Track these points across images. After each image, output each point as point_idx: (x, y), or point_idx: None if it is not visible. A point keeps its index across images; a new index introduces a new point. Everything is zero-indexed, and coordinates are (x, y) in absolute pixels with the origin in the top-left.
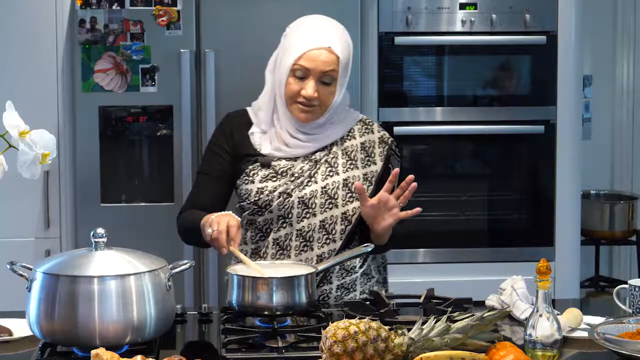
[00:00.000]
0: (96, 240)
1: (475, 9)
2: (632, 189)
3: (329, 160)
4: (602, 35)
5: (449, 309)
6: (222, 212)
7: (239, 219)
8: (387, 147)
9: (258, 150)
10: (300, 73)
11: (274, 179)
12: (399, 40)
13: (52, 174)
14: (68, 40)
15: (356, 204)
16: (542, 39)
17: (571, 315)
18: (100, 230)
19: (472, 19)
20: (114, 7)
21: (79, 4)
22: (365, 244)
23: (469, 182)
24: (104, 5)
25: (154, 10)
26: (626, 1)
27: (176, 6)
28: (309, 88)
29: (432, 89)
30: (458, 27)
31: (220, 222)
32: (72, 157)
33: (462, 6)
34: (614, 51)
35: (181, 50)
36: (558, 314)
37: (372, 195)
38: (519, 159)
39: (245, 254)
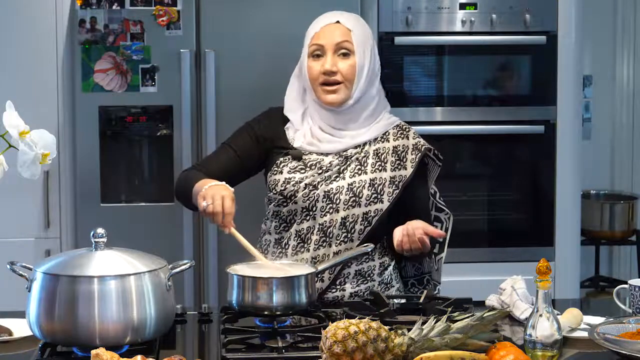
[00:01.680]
0: (96, 240)
1: (475, 9)
2: (632, 189)
3: (360, 158)
4: (602, 35)
5: (449, 309)
6: (215, 182)
7: (232, 189)
8: (419, 154)
9: (291, 143)
10: (317, 52)
11: (302, 170)
12: (399, 40)
13: (52, 174)
14: (68, 40)
15: (379, 205)
16: (542, 39)
17: (571, 315)
18: (100, 230)
19: (472, 19)
20: (114, 7)
21: (79, 4)
22: (365, 244)
23: (469, 182)
24: (104, 5)
25: (154, 10)
26: (626, 1)
27: (176, 6)
28: (327, 62)
29: (432, 89)
30: (458, 27)
31: (215, 196)
32: (72, 157)
33: (462, 6)
34: (614, 51)
35: (181, 50)
36: (558, 314)
37: (398, 199)
38: (519, 159)
39: (268, 244)
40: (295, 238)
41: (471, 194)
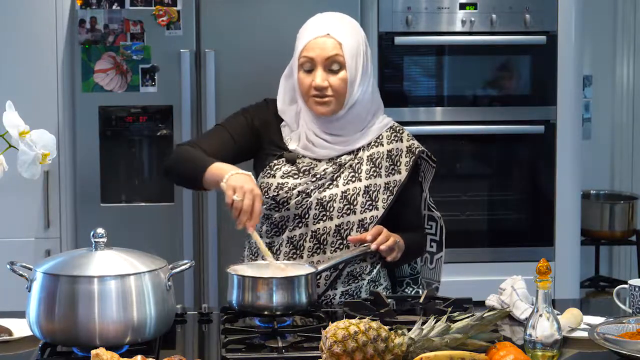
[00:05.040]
0: (96, 240)
1: (475, 9)
2: (632, 189)
3: (354, 165)
4: (602, 35)
5: (449, 309)
6: (240, 171)
7: (259, 191)
8: (413, 157)
9: (286, 143)
10: (307, 66)
11: (295, 176)
12: (399, 40)
13: (52, 174)
14: (68, 40)
15: (374, 212)
16: (542, 39)
17: (571, 315)
18: (100, 230)
19: (472, 19)
20: (114, 7)
21: (79, 4)
22: (365, 244)
23: (469, 182)
24: (104, 5)
25: (154, 10)
26: (626, 1)
27: (176, 6)
28: (318, 77)
29: (432, 89)
30: (458, 27)
31: (247, 193)
32: (72, 157)
33: (462, 6)
34: (614, 51)
35: (181, 50)
36: (558, 314)
37: (392, 204)
38: (519, 159)
39: (257, 246)
40: (288, 244)
41: (471, 194)
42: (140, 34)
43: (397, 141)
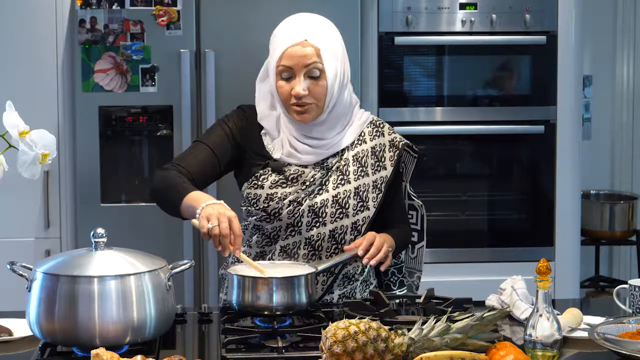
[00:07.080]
0: (96, 240)
1: (475, 9)
2: (632, 189)
3: (341, 167)
4: (602, 35)
5: (449, 309)
6: (213, 201)
7: (233, 212)
8: (397, 151)
9: (269, 152)
10: (285, 74)
11: (284, 185)
12: (399, 40)
13: (52, 174)
14: (68, 40)
15: (366, 213)
16: (542, 39)
17: (571, 315)
18: (100, 230)
19: (472, 19)
20: (114, 7)
21: (79, 4)
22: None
23: (469, 182)
24: (104, 5)
25: (154, 10)
26: (626, 1)
27: (176, 6)
28: (297, 86)
29: (432, 89)
30: (458, 27)
31: (221, 217)
32: (72, 157)
33: (462, 6)
34: (614, 51)
35: (181, 50)
36: (558, 314)
37: (381, 201)
38: (519, 159)
39: (248, 257)
40: (281, 253)
41: (471, 194)
42: (140, 34)
43: (379, 136)
